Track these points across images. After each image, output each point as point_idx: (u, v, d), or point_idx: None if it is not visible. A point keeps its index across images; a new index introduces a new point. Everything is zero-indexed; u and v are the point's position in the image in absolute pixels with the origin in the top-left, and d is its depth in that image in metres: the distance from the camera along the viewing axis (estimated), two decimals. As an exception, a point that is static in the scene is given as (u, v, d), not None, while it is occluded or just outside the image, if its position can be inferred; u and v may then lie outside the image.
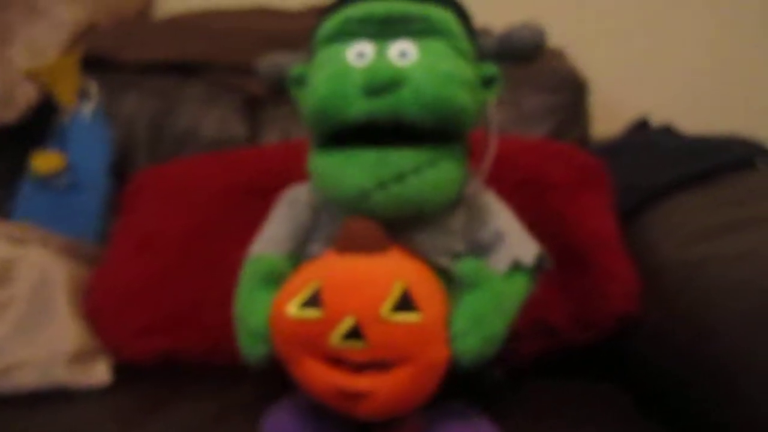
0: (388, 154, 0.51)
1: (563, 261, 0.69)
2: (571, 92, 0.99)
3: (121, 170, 0.99)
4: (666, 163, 0.89)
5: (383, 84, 0.51)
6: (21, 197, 0.98)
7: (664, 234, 0.76)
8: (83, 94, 1.01)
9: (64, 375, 0.71)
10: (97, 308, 0.79)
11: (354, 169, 0.52)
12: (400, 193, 0.51)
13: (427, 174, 0.52)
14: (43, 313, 0.75)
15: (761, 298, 0.57)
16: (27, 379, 0.70)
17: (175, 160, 0.95)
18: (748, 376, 0.53)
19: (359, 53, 0.53)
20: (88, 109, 1.01)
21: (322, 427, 0.54)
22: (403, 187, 0.51)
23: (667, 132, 1.02)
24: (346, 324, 0.47)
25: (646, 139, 1.01)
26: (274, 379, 0.59)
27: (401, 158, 0.51)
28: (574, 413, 0.65)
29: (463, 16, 0.58)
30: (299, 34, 0.64)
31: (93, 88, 1.02)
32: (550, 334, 0.71)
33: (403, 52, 0.53)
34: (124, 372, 0.75)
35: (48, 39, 1.04)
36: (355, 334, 0.47)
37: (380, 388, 0.48)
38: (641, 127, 1.06)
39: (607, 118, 1.08)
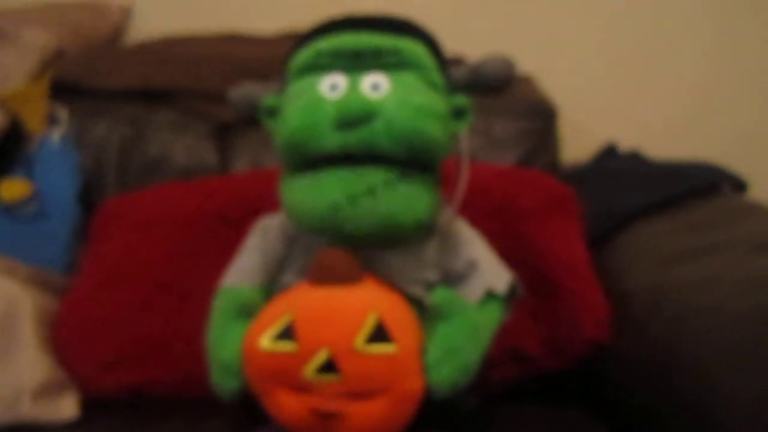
0: (360, 170, 0.51)
1: (534, 288, 0.70)
2: (540, 119, 1.00)
3: (89, 198, 0.97)
4: (634, 189, 0.90)
5: (356, 117, 0.51)
6: (-14, 226, 0.96)
7: (632, 259, 0.77)
8: (52, 120, 1.00)
9: (30, 410, 0.69)
10: (64, 341, 0.77)
11: (325, 186, 0.52)
12: (371, 208, 0.51)
13: (398, 189, 0.52)
14: (8, 346, 0.73)
15: (729, 321, 0.58)
16: (-9, 414, 0.69)
17: (145, 188, 0.94)
18: (718, 403, 0.54)
19: (332, 85, 0.54)
20: (56, 135, 0.99)
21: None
22: (374, 202, 0.51)
23: (635, 158, 1.04)
24: (320, 357, 0.47)
25: (614, 165, 1.02)
26: (246, 413, 0.58)
27: (373, 174, 0.51)
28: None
29: (434, 48, 0.58)
30: (270, 62, 0.65)
31: (62, 114, 1.01)
32: (522, 361, 0.71)
33: (375, 85, 0.53)
34: (92, 406, 0.73)
35: (15, 65, 1.03)
36: (329, 367, 0.47)
37: (355, 411, 0.47)
38: (609, 152, 1.08)
39: (576, 144, 1.10)
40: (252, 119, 0.61)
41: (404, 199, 0.52)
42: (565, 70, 1.13)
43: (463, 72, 0.59)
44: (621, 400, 0.68)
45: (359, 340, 0.47)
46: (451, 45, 0.61)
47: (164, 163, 1.01)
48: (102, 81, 1.05)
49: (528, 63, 1.02)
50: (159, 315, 0.77)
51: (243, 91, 0.61)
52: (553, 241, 0.76)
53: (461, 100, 0.57)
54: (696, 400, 0.56)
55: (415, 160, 0.53)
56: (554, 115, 1.01)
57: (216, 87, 0.78)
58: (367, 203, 0.51)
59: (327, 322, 0.48)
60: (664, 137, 1.12)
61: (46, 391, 0.71)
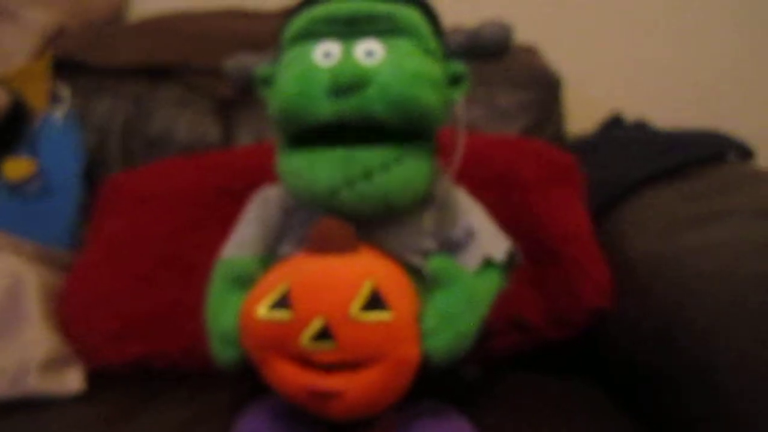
0: (355, 152, 0.51)
1: (536, 257, 0.69)
2: (545, 89, 1.00)
3: (93, 175, 0.98)
4: (639, 158, 0.89)
5: (349, 84, 0.50)
6: (-8, 204, 0.96)
7: (636, 228, 0.76)
8: (55, 99, 1.00)
9: (36, 384, 0.70)
10: (70, 314, 0.78)
11: (321, 168, 0.51)
12: (368, 191, 0.51)
13: (394, 171, 0.51)
14: (14, 321, 0.74)
15: (734, 286, 0.57)
16: (-2, 388, 0.69)
17: (148, 163, 0.94)
18: (723, 363, 0.54)
19: (326, 53, 0.53)
20: (59, 113, 1.00)
21: (295, 429, 0.53)
22: (371, 185, 0.51)
23: (641, 127, 1.03)
24: (315, 325, 0.47)
25: (619, 135, 1.01)
26: (247, 383, 0.59)
27: (368, 156, 0.51)
28: (549, 409, 0.65)
29: (430, 14, 0.57)
30: (272, 36, 0.64)
31: (65, 91, 1.01)
32: (524, 330, 0.71)
33: (369, 52, 0.53)
34: (97, 379, 0.74)
35: (17, 43, 1.03)
36: (324, 334, 0.47)
37: (351, 388, 0.47)
38: (615, 123, 1.07)
39: (581, 115, 1.09)
40: (248, 90, 0.61)
41: (400, 179, 0.52)
42: (569, 39, 1.12)
43: (460, 38, 0.58)
44: (623, 364, 0.68)
45: (354, 307, 0.47)
46: (451, 15, 0.60)
47: (167, 139, 1.01)
48: (104, 58, 1.05)
49: (532, 33, 1.01)
50: (162, 288, 0.77)
51: (238, 62, 0.61)
52: (555, 210, 0.75)
53: (458, 66, 0.56)
54: (701, 361, 0.56)
55: (410, 128, 0.52)
56: (558, 85, 1.00)
57: (218, 63, 0.78)
58: (364, 186, 0.51)
59: (322, 290, 0.48)
60: (670, 106, 1.10)
61: (52, 365, 0.72)
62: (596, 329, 0.71)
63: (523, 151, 0.81)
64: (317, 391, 0.47)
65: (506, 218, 0.62)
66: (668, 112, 1.06)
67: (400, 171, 0.52)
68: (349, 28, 0.53)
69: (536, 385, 0.70)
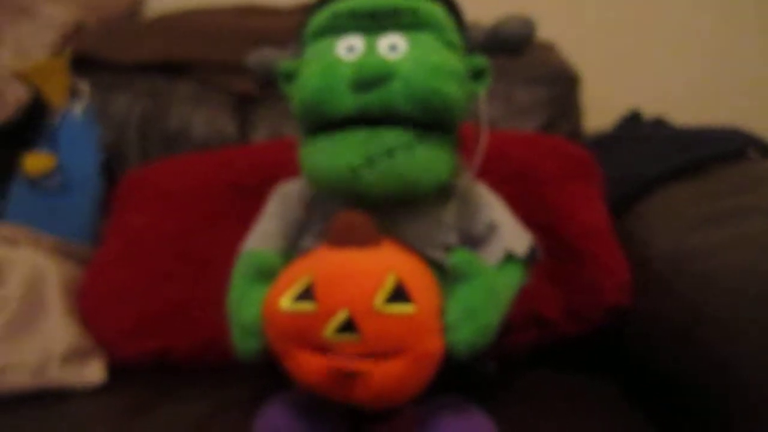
0: (378, 131, 0.51)
1: (555, 253, 0.69)
2: (562, 85, 0.99)
3: (111, 170, 0.99)
4: (658, 155, 0.89)
5: (373, 78, 0.50)
6: (12, 198, 0.97)
7: (656, 225, 0.76)
8: (74, 94, 1.01)
9: (58, 375, 0.71)
10: (88, 309, 0.78)
11: (343, 148, 0.51)
12: (389, 169, 0.51)
13: (416, 151, 0.51)
14: (35, 314, 0.74)
15: (759, 282, 0.57)
16: (20, 380, 0.70)
17: (166, 159, 0.95)
18: (746, 361, 0.53)
19: (349, 47, 0.53)
20: (78, 109, 1.00)
21: (316, 424, 0.53)
22: (392, 163, 0.51)
23: (659, 124, 1.02)
24: (340, 317, 0.47)
25: (638, 132, 1.01)
26: (267, 377, 0.59)
27: (391, 135, 0.51)
28: (567, 405, 0.65)
29: (452, 7, 0.58)
30: (289, 32, 0.64)
31: (84, 87, 1.02)
32: (542, 326, 0.71)
33: (392, 46, 0.53)
34: (117, 372, 0.75)
35: (36, 39, 1.04)
36: (348, 327, 0.47)
37: (375, 371, 0.47)
38: (633, 119, 1.06)
39: (599, 112, 1.08)
40: (269, 85, 0.61)
41: (423, 160, 0.52)
42: (587, 36, 1.12)
43: (482, 32, 0.58)
44: (643, 362, 0.68)
45: (378, 299, 0.47)
46: (471, 11, 0.60)
47: (184, 135, 1.01)
48: (122, 54, 1.05)
49: (550, 29, 1.00)
50: (180, 283, 0.78)
51: (260, 57, 0.61)
52: (574, 206, 0.75)
53: (480, 60, 0.56)
54: (724, 360, 0.55)
55: (432, 122, 0.52)
56: (576, 81, 1.00)
57: (235, 59, 0.78)
58: (386, 165, 0.51)
59: (346, 282, 0.48)
60: (688, 103, 1.09)
61: (73, 357, 0.72)
62: (615, 326, 0.71)
63: (541, 148, 0.81)
64: (342, 371, 0.47)
65: (525, 214, 0.62)
66: (687, 109, 1.05)
67: (422, 152, 0.52)
68: (372, 22, 0.54)
69: (554, 382, 0.70)
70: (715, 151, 0.85)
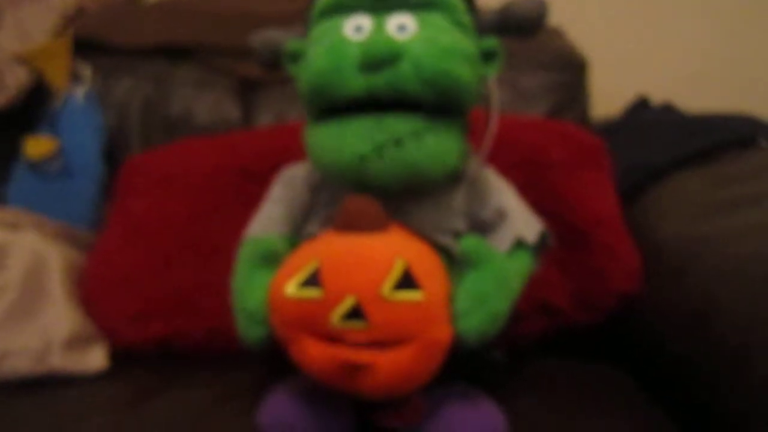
0: (386, 119, 0.50)
1: (564, 240, 0.68)
2: (570, 71, 0.98)
3: (114, 155, 0.98)
4: (667, 142, 0.88)
5: (381, 59, 0.49)
6: (14, 182, 0.96)
7: (666, 212, 0.75)
8: (76, 78, 1.00)
9: (60, 361, 0.70)
10: (91, 294, 0.78)
11: (351, 136, 0.50)
12: (398, 158, 0.50)
13: (425, 139, 0.50)
14: (37, 299, 0.74)
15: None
16: (22, 365, 0.69)
17: (169, 144, 0.94)
18: (759, 351, 0.52)
19: (357, 27, 0.52)
20: (80, 92, 0.99)
21: (321, 411, 0.52)
22: (401, 152, 0.50)
23: (668, 111, 1.01)
24: (347, 303, 0.46)
25: (646, 118, 1.00)
26: (272, 365, 0.58)
27: (399, 123, 0.50)
28: (576, 394, 0.64)
29: (462, -12, 0.56)
30: (293, 16, 0.63)
31: (86, 71, 1.01)
32: (552, 314, 0.70)
33: (401, 26, 0.51)
34: (120, 358, 0.74)
35: (37, 22, 1.03)
36: (356, 313, 0.46)
37: (382, 362, 0.46)
38: (641, 106, 1.05)
39: (607, 98, 1.07)
40: (275, 66, 0.60)
41: (431, 148, 0.51)
42: (596, 21, 1.10)
43: (493, 13, 0.56)
44: (652, 350, 0.67)
45: (386, 286, 0.46)
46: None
47: (187, 119, 1.01)
48: (124, 38, 1.04)
49: (558, 14, 0.99)
50: (183, 269, 0.77)
51: (265, 37, 0.60)
52: (583, 193, 0.74)
53: (491, 42, 0.55)
54: (737, 348, 0.54)
55: (443, 105, 0.51)
56: (583, 67, 0.99)
57: (238, 43, 0.77)
58: (394, 154, 0.50)
59: (353, 268, 0.47)
60: (697, 89, 1.08)
61: (75, 343, 0.72)
62: (625, 314, 0.70)
63: (550, 134, 0.80)
64: (348, 363, 0.46)
65: (534, 201, 0.61)
66: (696, 95, 1.04)
67: (431, 140, 0.51)
68: (381, 2, 0.52)
69: (564, 370, 0.69)
70: (725, 138, 0.85)
